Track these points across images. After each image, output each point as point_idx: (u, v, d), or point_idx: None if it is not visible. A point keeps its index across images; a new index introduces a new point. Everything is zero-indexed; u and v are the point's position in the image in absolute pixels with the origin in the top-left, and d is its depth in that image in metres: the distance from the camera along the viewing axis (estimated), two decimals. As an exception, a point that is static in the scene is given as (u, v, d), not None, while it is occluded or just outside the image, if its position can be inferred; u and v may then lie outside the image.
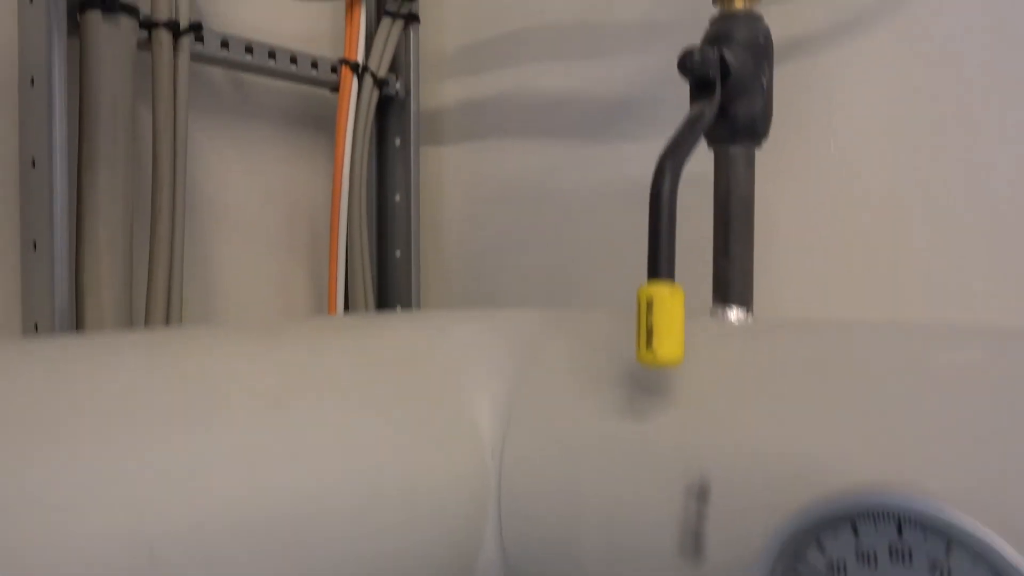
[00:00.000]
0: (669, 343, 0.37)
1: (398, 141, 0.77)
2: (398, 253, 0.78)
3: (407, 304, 0.77)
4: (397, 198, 0.77)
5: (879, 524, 0.28)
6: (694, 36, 0.61)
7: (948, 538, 0.26)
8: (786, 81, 0.57)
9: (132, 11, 0.55)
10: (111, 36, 0.54)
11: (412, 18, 0.74)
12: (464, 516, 0.44)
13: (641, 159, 0.67)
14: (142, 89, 0.58)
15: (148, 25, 0.58)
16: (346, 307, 0.74)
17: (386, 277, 0.78)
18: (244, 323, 0.45)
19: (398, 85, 0.76)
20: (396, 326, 0.49)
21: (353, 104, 0.72)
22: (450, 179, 0.79)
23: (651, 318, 0.37)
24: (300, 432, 0.38)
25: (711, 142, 0.44)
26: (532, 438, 0.44)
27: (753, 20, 0.43)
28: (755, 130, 0.43)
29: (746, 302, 0.44)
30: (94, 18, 0.53)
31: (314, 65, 0.71)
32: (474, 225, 0.78)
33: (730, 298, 0.44)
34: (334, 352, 0.43)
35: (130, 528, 0.32)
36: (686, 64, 0.41)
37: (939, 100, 0.53)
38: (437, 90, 0.80)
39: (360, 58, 0.72)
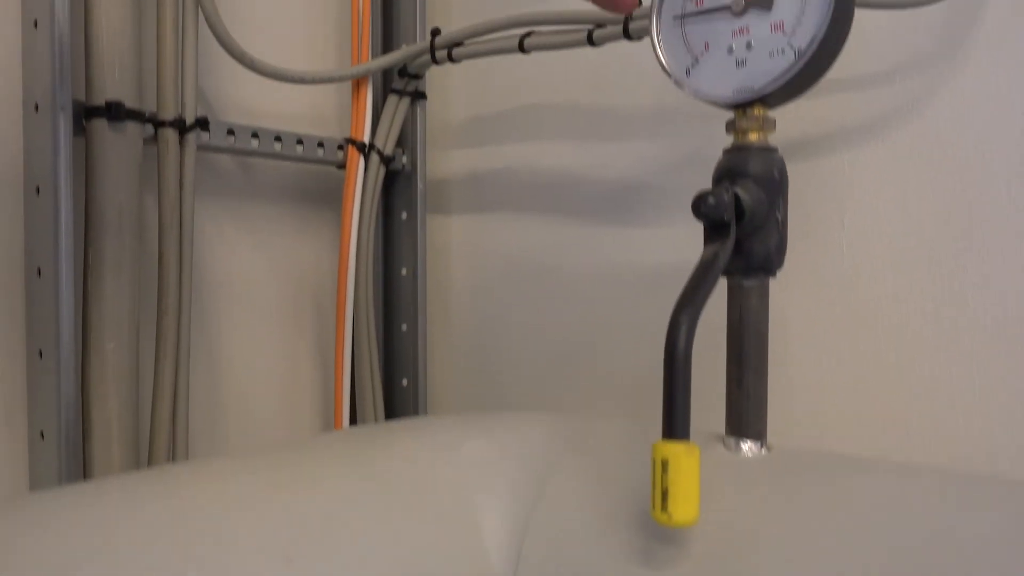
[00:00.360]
0: (684, 505, 0.36)
1: (404, 215, 0.77)
2: (404, 327, 0.77)
3: (413, 377, 0.77)
4: (403, 272, 0.77)
5: None
6: (702, 124, 0.61)
7: None
8: (798, 179, 0.57)
9: (138, 115, 0.54)
10: (117, 143, 0.53)
11: (419, 95, 0.73)
12: None
13: (645, 245, 0.67)
14: (148, 175, 0.58)
15: (154, 122, 0.57)
16: (352, 382, 0.73)
17: (392, 350, 0.78)
18: (251, 457, 0.44)
19: (404, 159, 0.75)
20: (405, 450, 0.48)
21: (360, 182, 0.71)
22: (456, 249, 0.79)
23: (666, 479, 0.36)
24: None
25: (724, 273, 0.44)
26: None
27: (768, 153, 0.43)
28: (770, 265, 0.43)
29: (760, 436, 0.44)
30: (100, 126, 0.53)
31: (320, 145, 0.70)
32: (480, 298, 0.77)
33: (744, 431, 0.44)
34: (342, 491, 0.43)
35: None
36: (700, 208, 0.40)
37: (953, 212, 0.52)
38: (444, 159, 0.79)
39: (366, 137, 0.71)
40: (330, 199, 0.76)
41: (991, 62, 0.50)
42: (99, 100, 0.53)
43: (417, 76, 0.72)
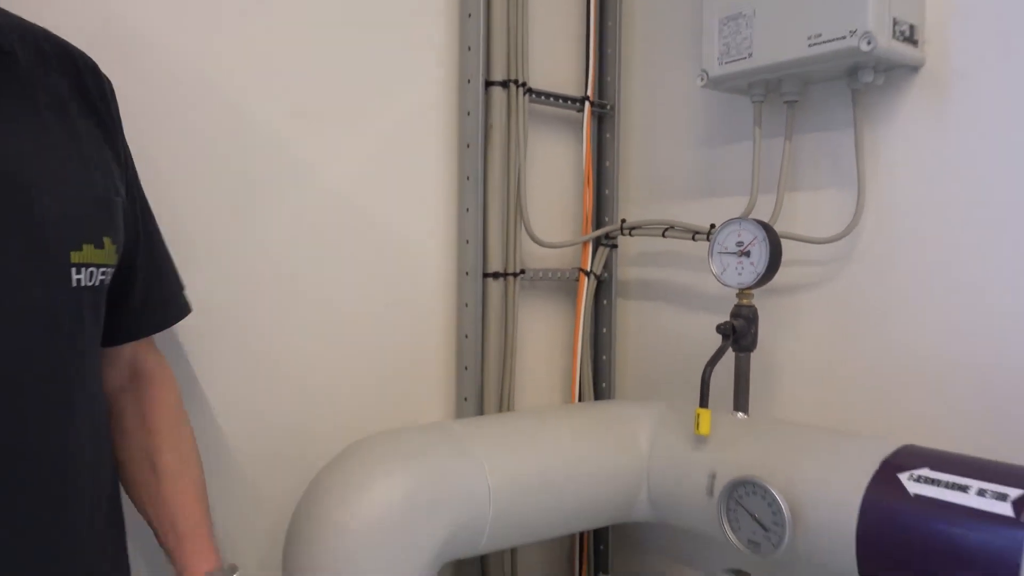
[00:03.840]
0: (703, 428, 1.11)
1: (606, 302, 1.54)
2: (604, 357, 1.55)
3: (609, 383, 1.54)
4: (604, 330, 1.55)
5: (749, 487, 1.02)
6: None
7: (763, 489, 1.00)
8: (774, 303, 1.28)
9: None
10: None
11: (614, 247, 1.51)
12: (632, 484, 1.20)
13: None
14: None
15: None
16: (582, 383, 1.52)
17: (599, 368, 1.56)
18: (542, 410, 1.24)
19: (606, 275, 1.53)
20: (596, 407, 1.26)
21: (585, 290, 1.49)
22: (632, 322, 1.55)
23: (699, 420, 1.11)
24: (557, 453, 1.16)
25: (732, 348, 1.17)
26: (661, 455, 1.19)
27: (749, 307, 1.16)
28: (749, 347, 1.16)
29: (744, 409, 1.17)
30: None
31: (566, 273, 1.50)
32: (643, 345, 1.54)
33: (738, 408, 1.17)
34: (574, 416, 1.21)
35: None
36: (719, 329, 1.14)
37: (843, 338, 1.22)
38: (626, 271, 1.56)
39: (588, 267, 1.49)
40: (572, 295, 1.55)
41: (859, 267, 1.20)
42: (492, 268, 1.35)
43: (613, 238, 1.50)
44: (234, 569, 0.89)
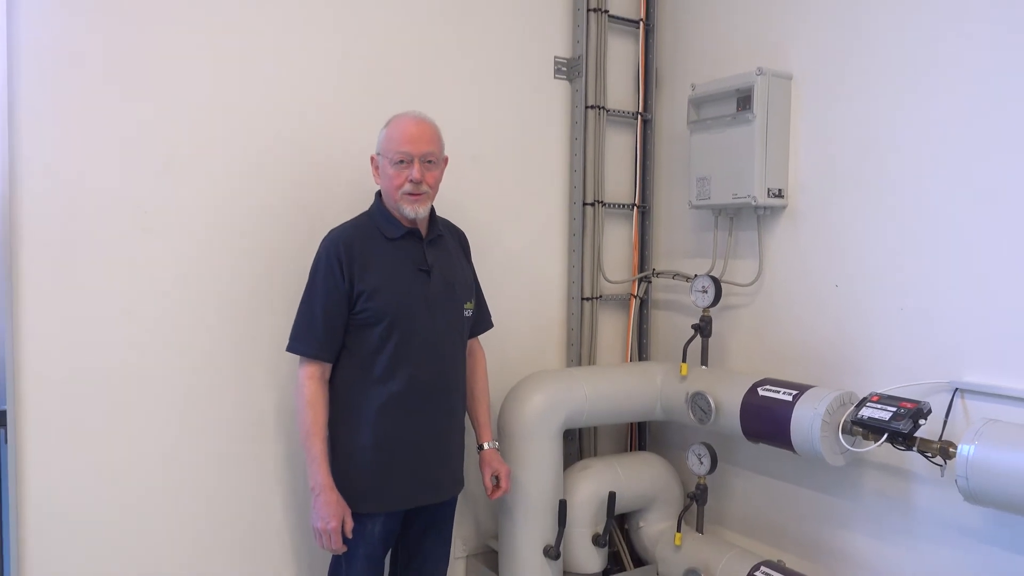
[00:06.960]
0: (684, 372, 2.44)
1: (645, 311, 2.88)
2: (644, 341, 2.88)
3: (647, 351, 2.87)
4: (645, 326, 2.88)
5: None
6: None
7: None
8: (725, 311, 2.58)
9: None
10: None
11: (650, 282, 2.85)
12: (650, 399, 2.54)
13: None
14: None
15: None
16: (630, 351, 2.85)
17: (641, 345, 2.89)
18: (600, 367, 2.59)
19: (646, 296, 2.86)
20: (636, 367, 2.61)
21: (634, 306, 2.83)
22: (660, 319, 2.89)
23: (682, 366, 2.44)
24: (616, 383, 2.51)
25: (700, 335, 2.49)
26: (666, 385, 2.52)
27: (708, 317, 2.48)
28: (708, 336, 2.48)
29: (706, 364, 2.49)
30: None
31: (620, 297, 2.84)
32: (671, 331, 2.87)
33: (703, 363, 2.50)
34: (625, 368, 2.56)
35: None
36: (693, 327, 2.47)
37: (768, 337, 2.53)
38: (655, 294, 2.89)
39: (636, 292, 2.83)
40: (626, 309, 2.88)
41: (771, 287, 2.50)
42: (585, 295, 2.71)
43: (649, 278, 2.83)
44: (496, 441, 2.28)
